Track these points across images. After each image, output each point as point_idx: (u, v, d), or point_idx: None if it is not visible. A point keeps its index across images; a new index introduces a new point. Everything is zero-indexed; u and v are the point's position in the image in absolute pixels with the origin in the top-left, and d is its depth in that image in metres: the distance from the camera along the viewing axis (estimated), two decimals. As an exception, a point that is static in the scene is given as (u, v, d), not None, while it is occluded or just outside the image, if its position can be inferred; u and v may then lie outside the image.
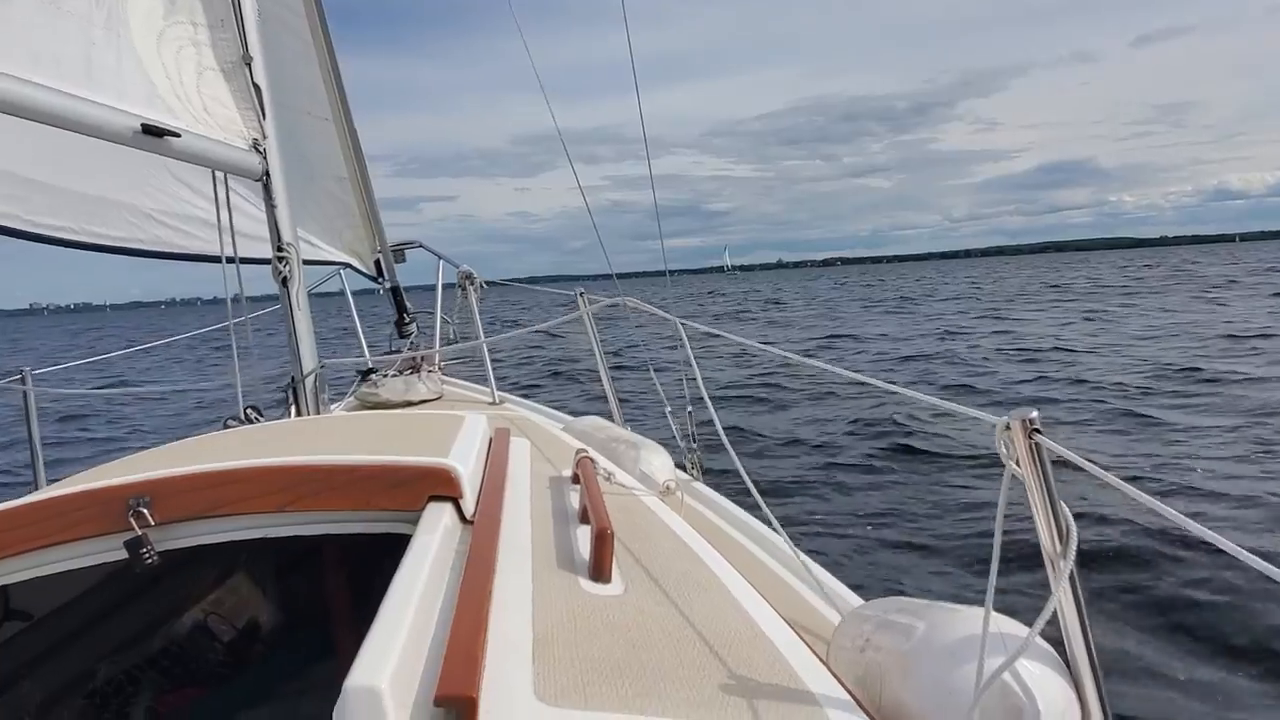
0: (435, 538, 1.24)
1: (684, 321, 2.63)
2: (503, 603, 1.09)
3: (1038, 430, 1.02)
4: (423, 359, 4.02)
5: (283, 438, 1.95)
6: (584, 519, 1.51)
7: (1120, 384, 10.25)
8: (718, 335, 2.50)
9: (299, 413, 3.27)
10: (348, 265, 4.92)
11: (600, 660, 0.99)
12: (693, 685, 0.98)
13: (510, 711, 0.86)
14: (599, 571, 1.27)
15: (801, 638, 1.21)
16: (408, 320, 4.94)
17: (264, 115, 3.00)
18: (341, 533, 1.44)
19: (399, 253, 5.05)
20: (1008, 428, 1.04)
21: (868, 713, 1.04)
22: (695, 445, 3.01)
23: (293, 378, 3.28)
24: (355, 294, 5.27)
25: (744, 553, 2.19)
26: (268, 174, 3.05)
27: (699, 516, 2.34)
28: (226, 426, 2.84)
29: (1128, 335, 16.14)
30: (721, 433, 2.00)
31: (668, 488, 2.28)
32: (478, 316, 4.10)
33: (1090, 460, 1.05)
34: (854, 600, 1.85)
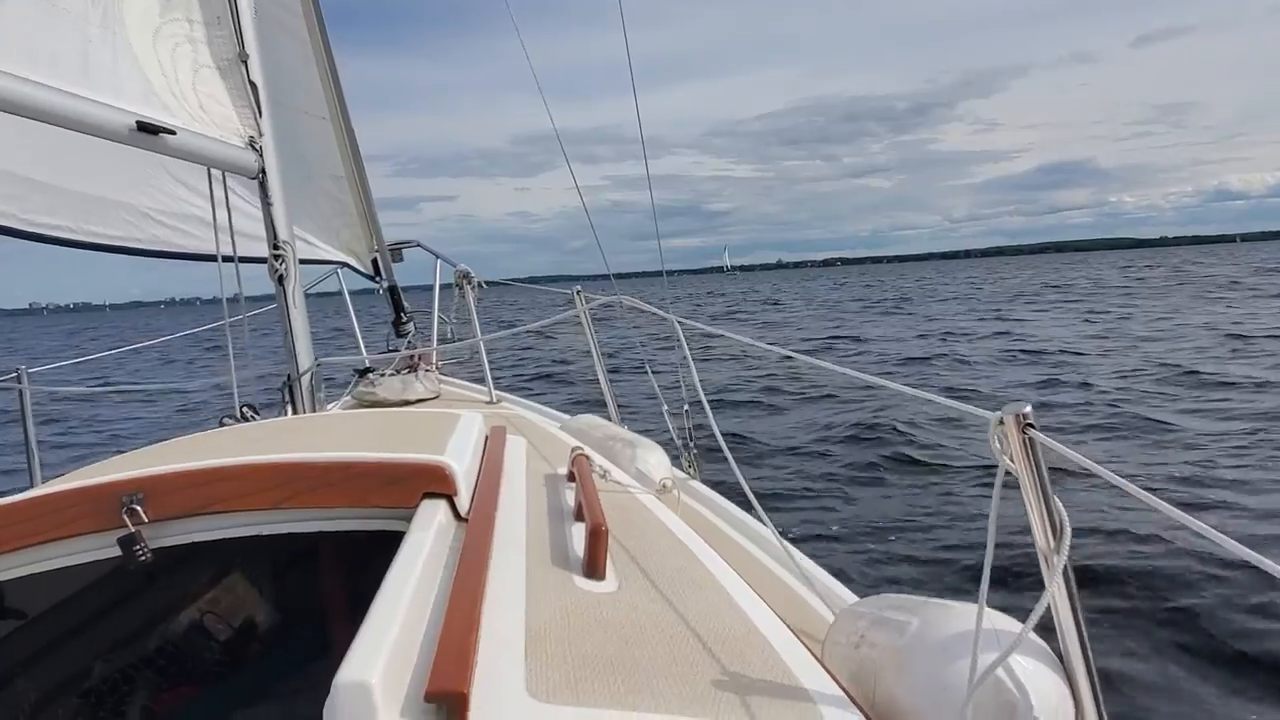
0: (429, 535, 1.23)
1: (681, 321, 2.63)
2: (496, 599, 1.09)
3: (1031, 425, 1.02)
4: (420, 358, 4.02)
5: (278, 435, 1.95)
6: (579, 516, 1.51)
7: (1127, 388, 10.12)
8: (715, 335, 2.50)
9: (295, 411, 3.27)
10: (345, 264, 4.92)
11: (593, 657, 0.99)
12: (686, 682, 0.98)
13: (501, 707, 0.86)
14: (593, 568, 1.27)
15: (796, 635, 1.20)
16: (405, 320, 4.94)
17: (260, 113, 3.00)
18: (336, 530, 1.44)
19: (396, 252, 5.05)
20: (1001, 423, 1.03)
21: (862, 709, 1.03)
22: (692, 444, 3.01)
23: (289, 376, 3.28)
24: (353, 293, 5.27)
25: (740, 550, 2.19)
26: (264, 172, 3.04)
27: (695, 514, 2.34)
28: (223, 424, 2.84)
29: (1135, 337, 15.97)
30: (717, 431, 2.00)
31: (664, 486, 2.28)
32: (475, 316, 4.10)
33: (1083, 455, 1.05)
34: (849, 597, 1.85)
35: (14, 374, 4.12)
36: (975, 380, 11.81)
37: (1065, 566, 1.01)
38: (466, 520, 1.37)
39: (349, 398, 3.94)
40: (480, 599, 1.05)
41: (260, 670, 2.25)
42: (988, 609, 1.05)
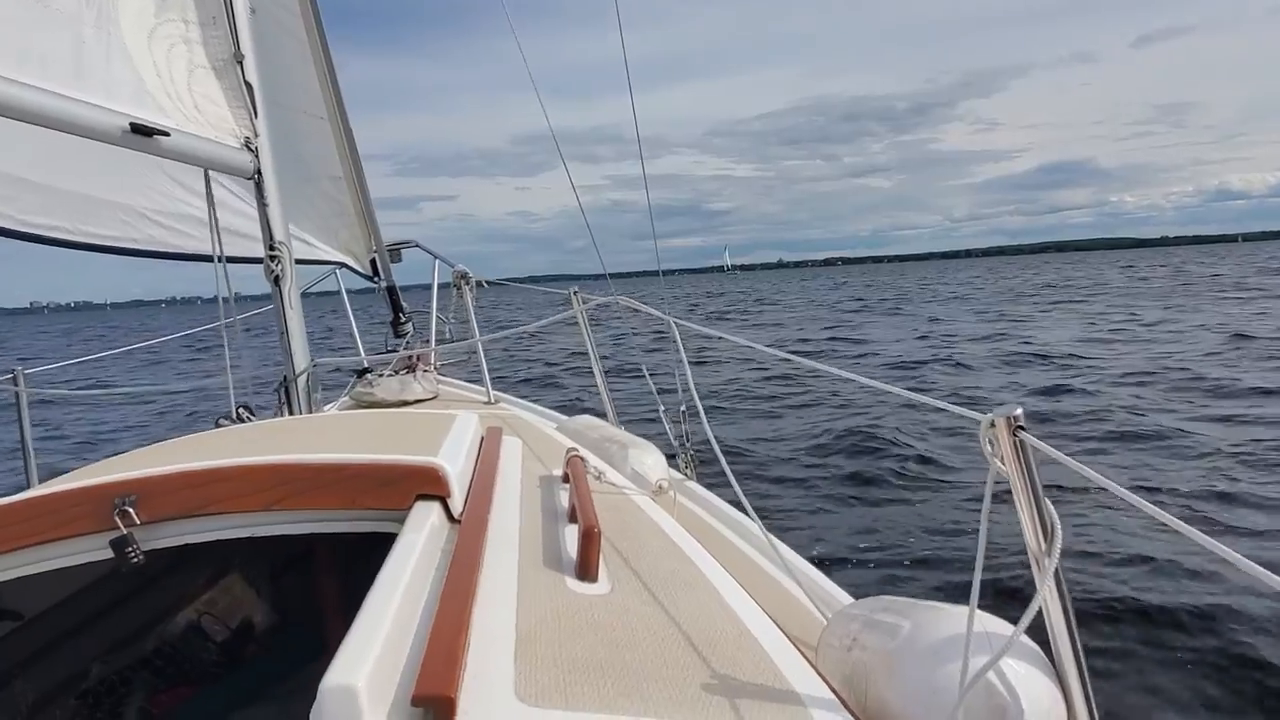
0: (421, 536, 1.23)
1: (678, 321, 2.62)
2: (486, 602, 1.08)
3: (1022, 427, 1.01)
4: (418, 358, 4.02)
5: (272, 436, 1.95)
6: (572, 518, 1.50)
7: (1139, 395, 9.75)
8: (712, 336, 2.49)
9: (291, 412, 3.27)
10: (343, 265, 4.92)
11: (583, 660, 0.99)
12: (676, 685, 0.97)
13: (489, 711, 0.85)
14: (585, 570, 1.26)
15: (790, 637, 1.20)
16: (404, 320, 4.94)
17: (255, 113, 3.00)
18: (329, 532, 1.43)
19: (395, 253, 5.06)
20: (992, 425, 1.03)
21: (853, 712, 1.03)
22: (689, 445, 3.00)
23: (285, 377, 3.28)
24: (352, 293, 5.27)
25: (735, 552, 2.18)
26: (259, 172, 3.04)
27: (691, 516, 2.34)
28: (218, 425, 2.84)
29: (1148, 339, 15.49)
30: (709, 432, 2.00)
31: (660, 487, 2.27)
32: (473, 316, 4.10)
33: (1073, 458, 1.05)
34: (844, 599, 1.85)
35: (10, 375, 4.12)
36: (980, 385, 11.55)
37: (1057, 569, 1.01)
38: (459, 522, 1.37)
39: (347, 398, 3.94)
40: (471, 601, 1.05)
41: (257, 671, 2.25)
42: (979, 612, 1.05)
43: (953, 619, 1.12)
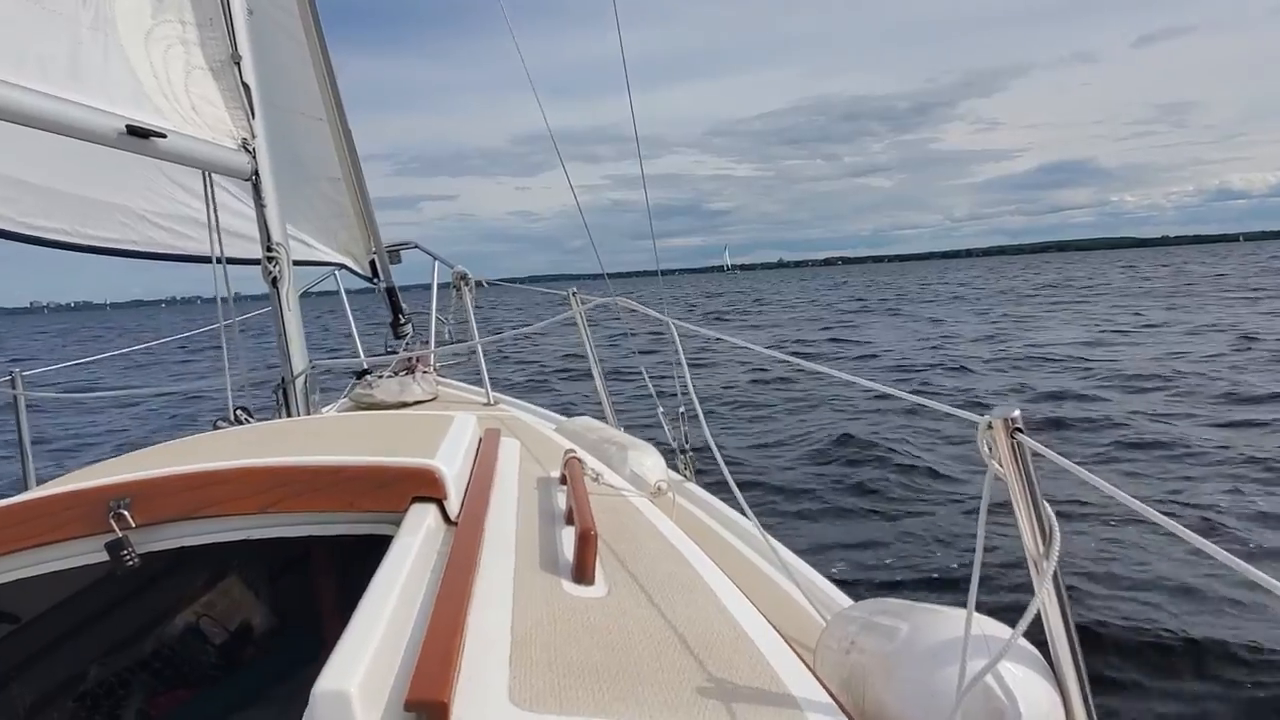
0: (417, 539, 1.23)
1: (677, 323, 2.62)
2: (482, 604, 1.08)
3: (1019, 429, 1.01)
4: (418, 360, 4.01)
5: (270, 438, 1.94)
6: (569, 520, 1.50)
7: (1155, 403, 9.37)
8: (711, 337, 2.49)
9: (289, 414, 3.27)
10: (343, 266, 4.91)
11: (578, 663, 0.98)
12: (672, 689, 0.97)
13: (482, 716, 0.85)
14: (581, 573, 1.26)
15: (787, 640, 1.19)
16: (403, 321, 4.94)
17: (253, 114, 2.99)
18: (325, 534, 1.43)
19: (394, 254, 5.05)
20: (989, 427, 1.03)
21: (850, 716, 1.03)
22: (688, 446, 3.00)
23: (282, 379, 3.27)
24: (352, 293, 5.27)
25: (734, 554, 2.18)
26: (256, 174, 3.03)
27: (690, 518, 2.33)
28: (216, 427, 2.83)
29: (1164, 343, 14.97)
30: (708, 434, 1.99)
31: (659, 489, 2.26)
32: (473, 317, 4.10)
33: (1071, 460, 1.04)
34: (843, 601, 1.84)
35: (8, 377, 4.12)
36: (980, 387, 11.31)
37: (1055, 572, 1.00)
38: (456, 524, 1.37)
39: (346, 399, 3.94)
40: (466, 604, 1.04)
41: (255, 674, 2.24)
42: (977, 614, 1.04)
43: (951, 622, 1.11)
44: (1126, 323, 19.55)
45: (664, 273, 3.73)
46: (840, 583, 2.00)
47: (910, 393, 1.50)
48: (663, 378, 3.72)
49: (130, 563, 1.35)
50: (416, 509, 1.36)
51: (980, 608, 1.04)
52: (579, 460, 1.82)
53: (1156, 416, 8.56)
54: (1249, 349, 13.17)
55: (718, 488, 2.74)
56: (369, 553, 1.37)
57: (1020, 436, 1.00)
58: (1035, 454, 1.02)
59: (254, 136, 2.99)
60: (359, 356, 4.32)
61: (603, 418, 3.45)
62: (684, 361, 2.44)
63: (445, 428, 1.81)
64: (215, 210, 3.09)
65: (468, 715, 0.84)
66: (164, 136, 2.56)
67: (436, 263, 4.81)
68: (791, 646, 1.18)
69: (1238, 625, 3.82)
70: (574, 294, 3.66)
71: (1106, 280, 45.77)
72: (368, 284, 5.07)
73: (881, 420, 8.78)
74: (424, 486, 1.40)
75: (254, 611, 2.34)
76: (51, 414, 12.93)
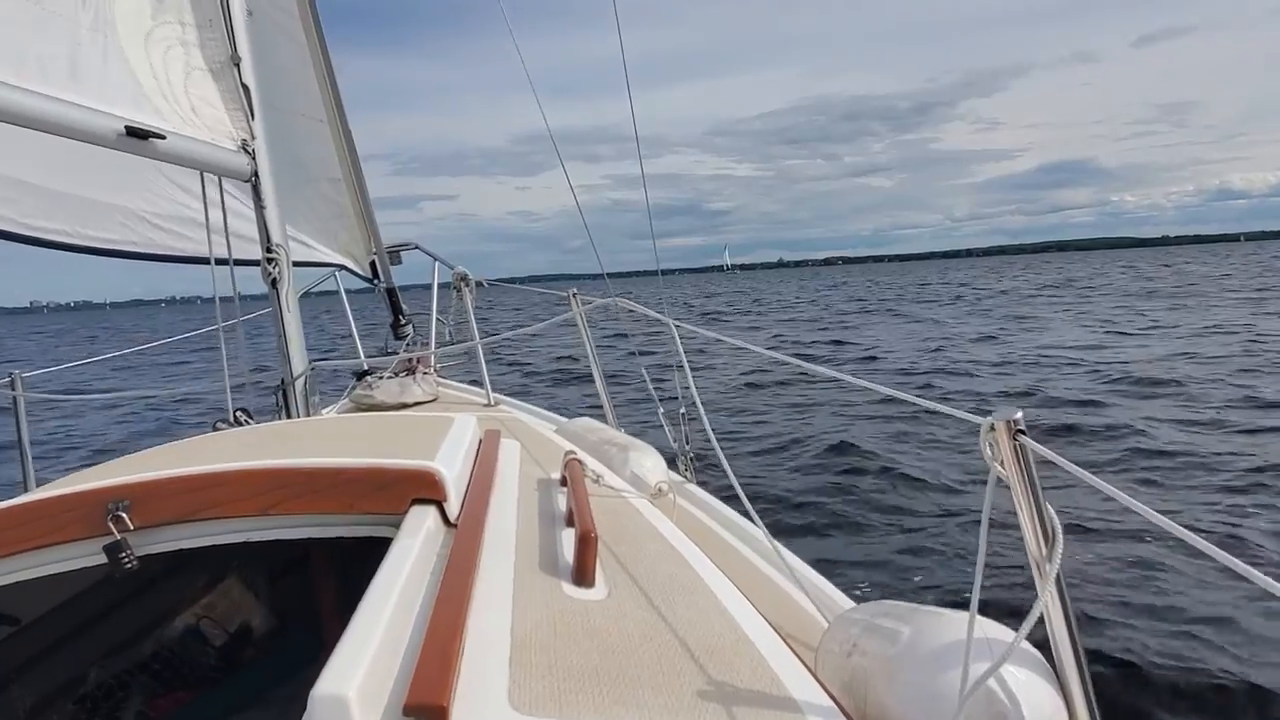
0: (416, 541, 1.22)
1: (678, 324, 2.61)
2: (482, 607, 1.08)
3: (1022, 431, 1.00)
4: (418, 361, 4.01)
5: (269, 440, 1.94)
6: (569, 522, 1.49)
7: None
8: (712, 338, 2.48)
9: (289, 415, 3.26)
10: (343, 267, 4.91)
11: (578, 666, 0.98)
12: (672, 692, 0.96)
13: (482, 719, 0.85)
14: (582, 576, 1.25)
15: (789, 643, 1.19)
16: (404, 322, 4.93)
17: (252, 115, 2.99)
18: (324, 536, 1.43)
19: (394, 255, 5.05)
20: (992, 429, 1.02)
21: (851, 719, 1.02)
22: (689, 447, 2.99)
23: (282, 380, 3.27)
24: (352, 293, 5.26)
25: (735, 555, 2.17)
26: (256, 175, 3.03)
27: (691, 519, 2.32)
28: (216, 429, 2.83)
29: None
30: (711, 434, 1.98)
31: (660, 490, 2.26)
32: (473, 318, 4.09)
33: (1073, 462, 1.04)
34: (845, 603, 1.84)
35: (8, 379, 4.11)
36: (982, 390, 11.11)
37: (1058, 574, 1.00)
38: (455, 526, 1.36)
39: (347, 401, 3.93)
40: (465, 607, 1.04)
41: (255, 675, 2.24)
42: (980, 617, 1.04)
43: (953, 624, 1.11)
44: (1131, 324, 19.36)
45: (663, 272, 3.73)
46: (840, 584, 1.99)
47: (914, 394, 1.50)
48: (663, 380, 3.72)
49: (129, 565, 1.35)
50: (416, 511, 1.35)
51: (982, 610, 1.04)
52: (579, 462, 1.82)
53: (1165, 422, 8.37)
54: (1260, 353, 12.89)
55: (718, 489, 2.74)
56: (369, 554, 1.36)
57: (1023, 438, 1.00)
58: (1038, 455, 1.01)
59: (253, 138, 2.99)
60: (359, 357, 4.31)
61: (603, 419, 3.45)
62: (685, 362, 2.44)
63: (445, 429, 1.81)
64: (219, 211, 3.09)
65: (467, 719, 0.83)
66: (163, 138, 2.56)
67: (437, 264, 4.81)
68: (793, 649, 1.18)
69: (1246, 631, 3.80)
70: (574, 294, 3.65)
71: (1109, 280, 45.49)
72: (367, 284, 5.07)
73: (882, 423, 8.75)
74: (424, 488, 1.39)
75: (254, 613, 2.34)
76: (52, 415, 12.93)
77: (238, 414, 3.08)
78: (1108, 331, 17.89)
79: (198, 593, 2.27)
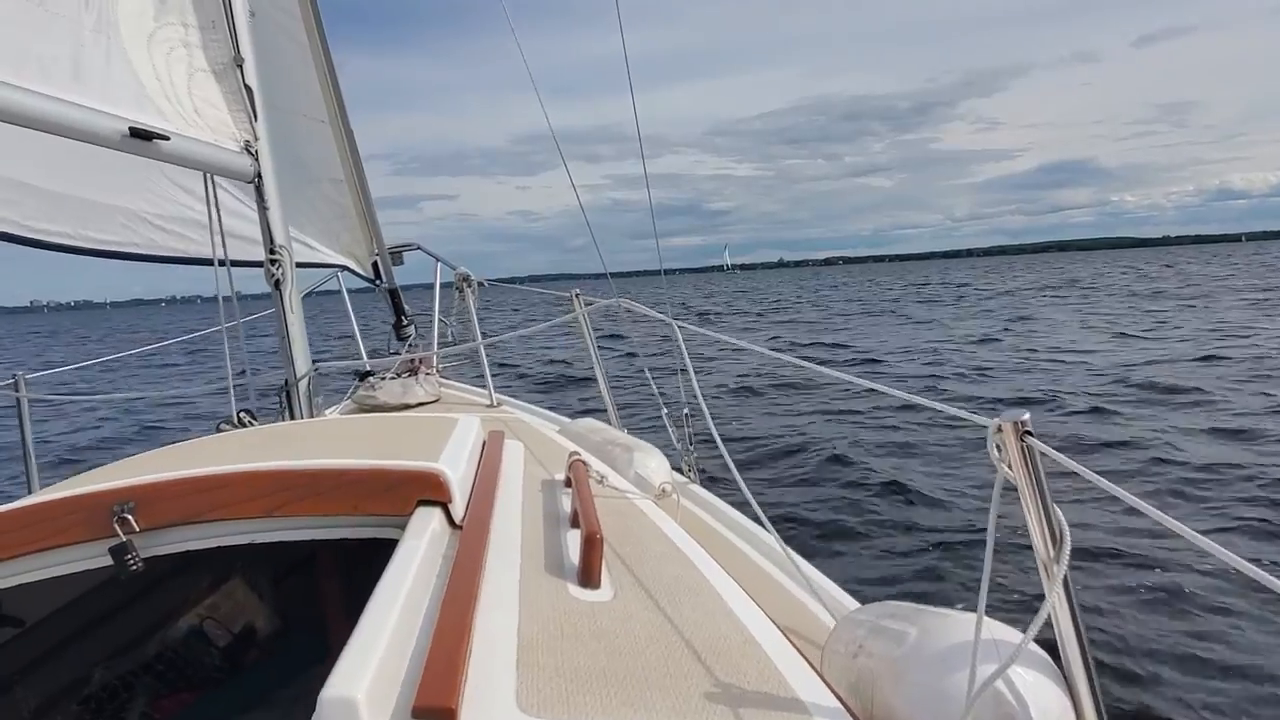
0: (422, 543, 1.22)
1: (681, 324, 2.61)
2: (488, 609, 1.07)
3: (1029, 433, 1.00)
4: (421, 361, 4.01)
5: (273, 442, 1.94)
6: (574, 523, 1.49)
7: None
8: (714, 339, 2.48)
9: (292, 416, 3.26)
10: (345, 268, 4.91)
11: (585, 668, 0.98)
12: (679, 693, 0.96)
13: None
14: (587, 577, 1.25)
15: (795, 644, 1.19)
16: (406, 323, 4.93)
17: (255, 117, 2.99)
18: (329, 538, 1.43)
19: (396, 255, 5.05)
20: (999, 430, 1.02)
21: None
22: (692, 448, 2.99)
23: (286, 381, 3.27)
24: (354, 292, 5.26)
25: (740, 556, 2.17)
26: (259, 176, 3.03)
27: (695, 520, 2.32)
28: (219, 430, 2.83)
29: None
30: (716, 435, 1.98)
31: (663, 491, 2.26)
32: (475, 318, 4.10)
33: (1081, 463, 1.03)
34: (851, 604, 1.83)
35: (11, 380, 4.11)
36: (986, 394, 10.96)
37: (1065, 576, 1.00)
38: (461, 527, 1.36)
39: (349, 402, 3.93)
40: (472, 609, 1.04)
41: (259, 677, 2.24)
42: (987, 618, 1.04)
43: (960, 625, 1.11)
44: (1138, 324, 19.11)
45: (665, 272, 3.72)
46: (846, 585, 1.99)
47: (921, 396, 1.49)
48: (664, 380, 3.72)
49: (134, 567, 1.35)
50: (421, 512, 1.35)
51: (989, 611, 1.04)
52: (583, 463, 1.81)
53: (1182, 429, 8.15)
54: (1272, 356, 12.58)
55: (722, 489, 2.73)
56: (374, 556, 1.36)
57: (1030, 440, 1.00)
58: (1045, 457, 1.01)
59: (256, 139, 2.99)
60: (361, 358, 4.31)
61: (606, 419, 3.45)
62: (689, 363, 2.43)
63: (449, 430, 1.80)
64: (217, 212, 3.08)
65: None
66: (167, 139, 2.56)
67: (439, 264, 4.81)
68: (799, 650, 1.17)
69: (1253, 632, 3.80)
70: (577, 295, 3.65)
71: (1111, 280, 45.23)
72: (368, 285, 5.06)
73: (888, 422, 8.73)
74: (429, 490, 1.39)
75: (258, 614, 2.34)
76: (52, 416, 12.93)
77: (241, 415, 3.07)
78: (1114, 332, 17.62)
79: (202, 594, 2.27)
